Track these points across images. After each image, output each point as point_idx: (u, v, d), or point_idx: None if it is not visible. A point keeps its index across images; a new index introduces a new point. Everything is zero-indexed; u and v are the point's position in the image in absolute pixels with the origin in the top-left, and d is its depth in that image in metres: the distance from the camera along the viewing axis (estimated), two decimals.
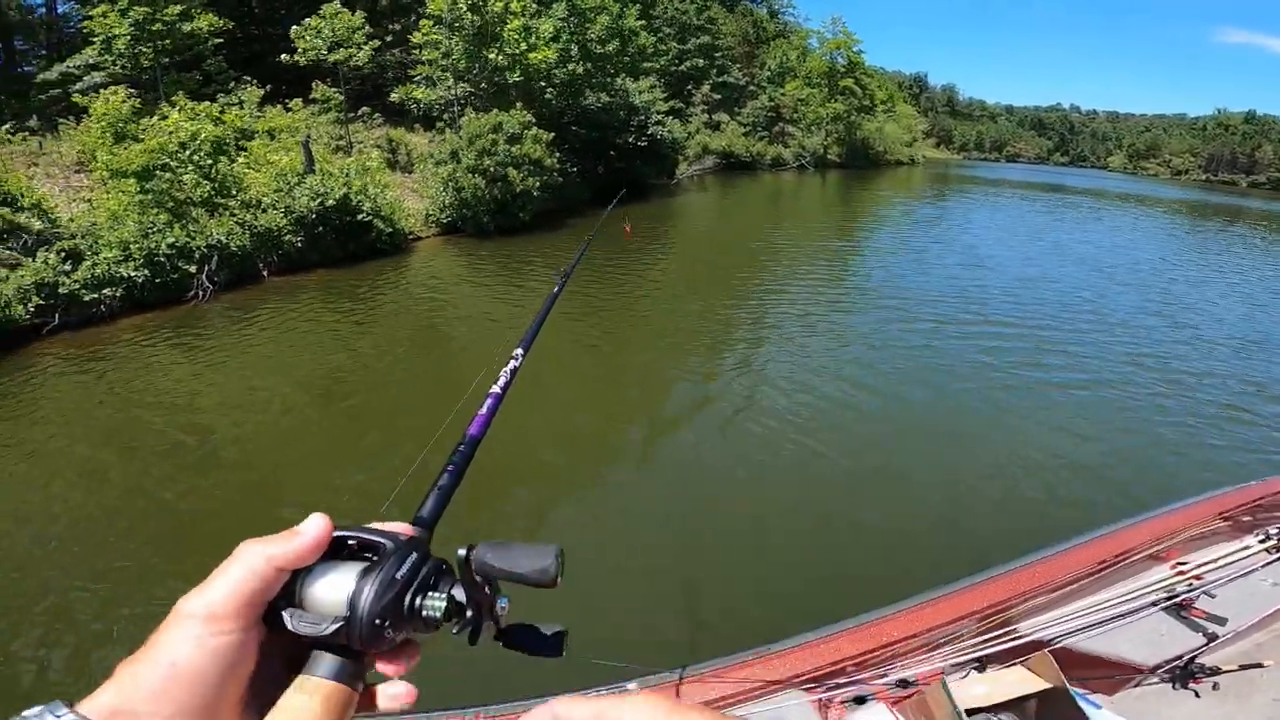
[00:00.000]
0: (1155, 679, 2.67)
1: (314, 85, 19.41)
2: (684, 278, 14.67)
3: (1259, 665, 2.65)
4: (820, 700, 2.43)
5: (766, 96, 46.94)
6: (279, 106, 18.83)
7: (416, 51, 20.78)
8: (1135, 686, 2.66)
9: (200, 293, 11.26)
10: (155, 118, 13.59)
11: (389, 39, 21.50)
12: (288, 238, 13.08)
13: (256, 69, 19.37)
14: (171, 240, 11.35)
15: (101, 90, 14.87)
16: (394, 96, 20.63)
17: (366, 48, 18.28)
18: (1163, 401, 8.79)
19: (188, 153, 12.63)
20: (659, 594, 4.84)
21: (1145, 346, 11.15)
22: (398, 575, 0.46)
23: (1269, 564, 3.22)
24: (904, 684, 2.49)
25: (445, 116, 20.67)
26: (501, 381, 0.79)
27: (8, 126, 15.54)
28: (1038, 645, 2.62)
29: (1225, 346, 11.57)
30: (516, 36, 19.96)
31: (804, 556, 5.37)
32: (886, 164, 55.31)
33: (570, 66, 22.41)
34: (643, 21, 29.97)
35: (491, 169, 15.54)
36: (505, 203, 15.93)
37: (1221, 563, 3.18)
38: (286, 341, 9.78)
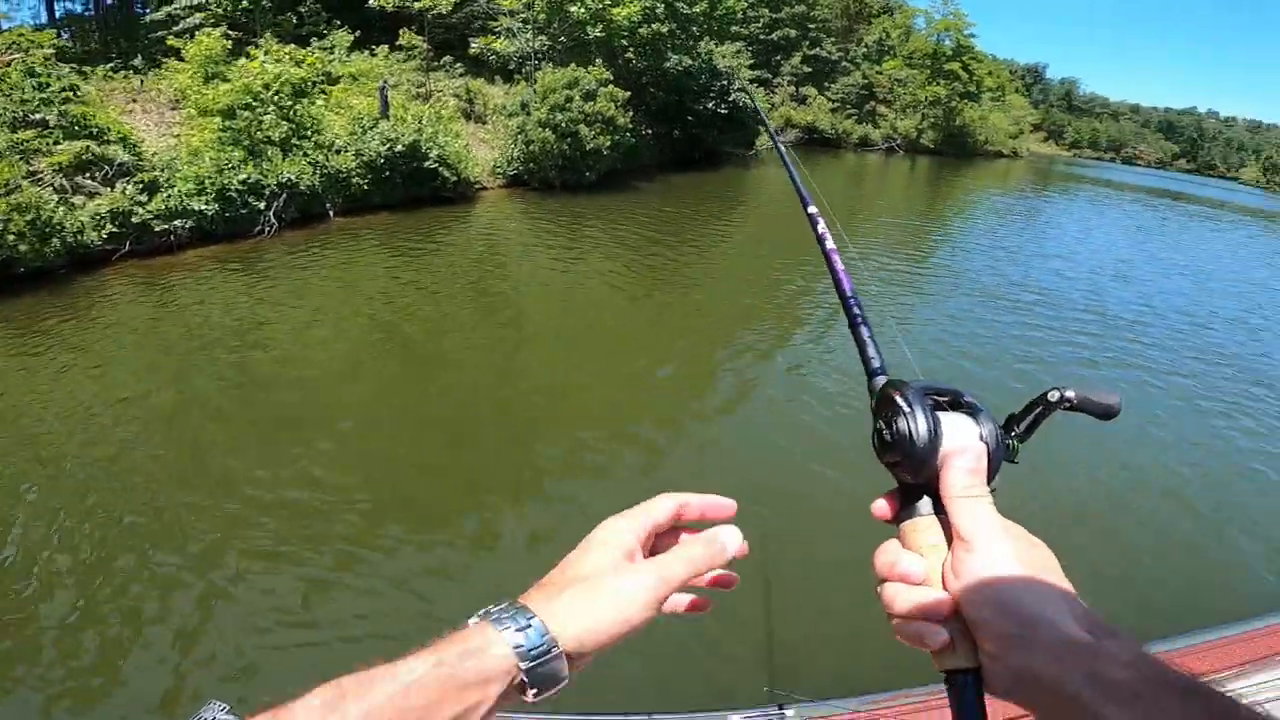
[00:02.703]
0: None
1: (401, 32, 19.35)
2: (753, 252, 13.65)
3: None
4: None
5: (860, 74, 44.05)
6: (367, 52, 18.95)
7: (499, 2, 20.37)
8: None
9: (266, 228, 11.34)
10: (243, 59, 13.80)
11: None
12: (355, 180, 13.02)
13: (349, 14, 19.48)
14: (244, 177, 11.44)
15: (200, 31, 15.33)
16: (473, 48, 20.32)
17: None
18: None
19: (269, 93, 12.71)
20: None
21: None
22: (993, 421, 0.55)
23: None
24: None
25: (524, 69, 20.23)
26: (829, 240, 0.78)
27: (111, 65, 16.23)
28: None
29: None
30: None
31: None
32: (985, 154, 51.11)
33: (655, 25, 21.39)
34: None
35: (563, 124, 14.96)
36: (573, 159, 15.35)
37: None
38: (346, 278, 9.68)
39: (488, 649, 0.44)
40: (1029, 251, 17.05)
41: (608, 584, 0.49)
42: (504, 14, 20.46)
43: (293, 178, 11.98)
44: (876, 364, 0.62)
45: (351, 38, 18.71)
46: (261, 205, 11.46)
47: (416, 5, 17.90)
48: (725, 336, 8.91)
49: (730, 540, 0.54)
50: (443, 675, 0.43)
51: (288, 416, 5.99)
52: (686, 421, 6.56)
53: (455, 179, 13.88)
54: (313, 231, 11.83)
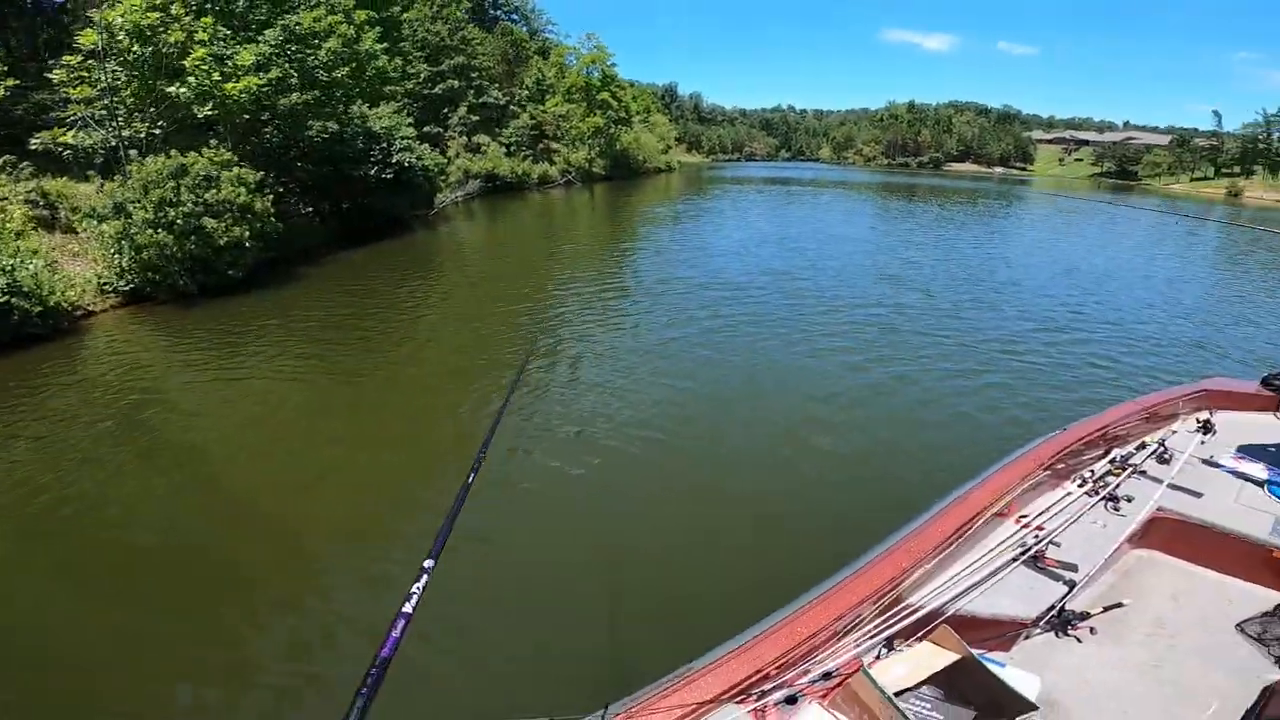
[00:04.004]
0: (1039, 630, 2.79)
1: None
2: (456, 316, 13.88)
3: (1120, 605, 2.86)
4: (755, 710, 2.29)
5: (528, 115, 47.32)
6: None
7: (67, 90, 16.83)
8: (1025, 640, 2.77)
9: None
10: None
11: (48, 75, 17.22)
12: None
13: None
14: None
15: None
16: (34, 143, 16.41)
17: None
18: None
19: None
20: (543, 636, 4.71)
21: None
22: None
23: (1092, 506, 3.54)
24: (827, 676, 2.43)
25: (119, 162, 17.05)
26: (413, 600, 0.76)
27: None
28: (934, 615, 2.68)
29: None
30: (204, 67, 17.17)
31: (672, 565, 5.49)
32: (647, 172, 59.63)
33: (294, 96, 19.95)
34: (384, 44, 27.90)
35: (179, 221, 13.03)
36: (207, 259, 13.50)
37: (1052, 512, 3.41)
38: None
39: None
40: (681, 249, 21.15)
41: None
42: (73, 102, 16.95)
43: None
44: None
45: None
46: None
47: None
48: (425, 410, 9.03)
49: None
50: None
51: None
52: (392, 519, 6.55)
53: (40, 309, 11.09)
54: None
